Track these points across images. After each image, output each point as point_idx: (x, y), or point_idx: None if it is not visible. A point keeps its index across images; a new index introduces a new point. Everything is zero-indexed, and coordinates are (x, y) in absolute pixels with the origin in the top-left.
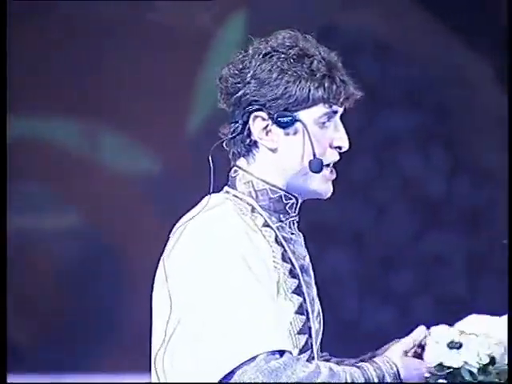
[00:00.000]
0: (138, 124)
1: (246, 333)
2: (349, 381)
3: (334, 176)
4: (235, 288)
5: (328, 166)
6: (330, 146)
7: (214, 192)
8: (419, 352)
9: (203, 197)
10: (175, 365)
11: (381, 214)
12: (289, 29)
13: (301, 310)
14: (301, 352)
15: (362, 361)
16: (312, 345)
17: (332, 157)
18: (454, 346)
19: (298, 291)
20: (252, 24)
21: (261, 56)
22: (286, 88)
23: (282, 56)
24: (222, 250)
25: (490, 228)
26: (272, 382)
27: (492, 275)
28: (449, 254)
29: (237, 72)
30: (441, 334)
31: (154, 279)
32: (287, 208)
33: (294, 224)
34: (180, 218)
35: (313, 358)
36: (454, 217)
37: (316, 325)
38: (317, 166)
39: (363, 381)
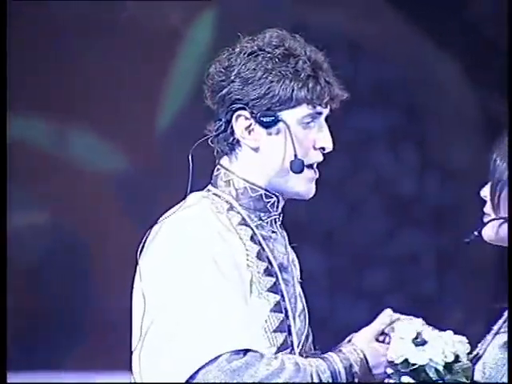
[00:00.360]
0: (109, 122)
1: (211, 333)
2: (314, 375)
3: (316, 176)
4: (204, 289)
5: (311, 166)
6: (314, 147)
7: (197, 190)
8: (383, 339)
9: (175, 194)
10: (150, 364)
11: (352, 213)
12: (277, 28)
13: (278, 308)
14: (279, 350)
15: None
16: (292, 343)
17: (315, 157)
18: (420, 342)
19: (274, 289)
20: (222, 23)
21: (246, 55)
22: (269, 87)
23: (268, 55)
24: (194, 252)
25: (460, 226)
26: (235, 381)
27: (462, 273)
28: (420, 251)
29: (222, 70)
30: (405, 330)
31: (125, 277)
32: (268, 206)
33: (275, 222)
34: (150, 215)
35: None
36: (425, 215)
37: (298, 323)
38: (298, 166)
39: (329, 374)
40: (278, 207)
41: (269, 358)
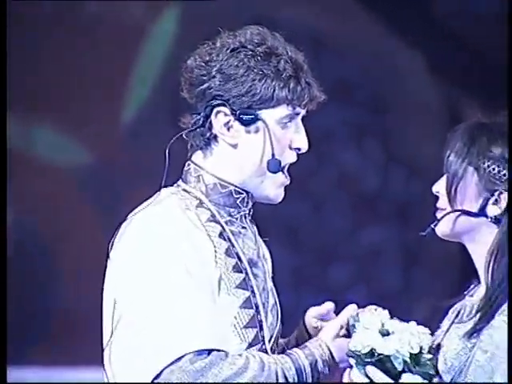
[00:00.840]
0: (73, 117)
1: (175, 333)
2: (279, 373)
3: (287, 181)
4: (170, 288)
5: (283, 168)
6: (290, 147)
7: (167, 185)
8: (348, 334)
9: (140, 189)
10: (120, 360)
11: (317, 209)
12: (258, 25)
13: (248, 304)
14: (250, 345)
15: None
16: (264, 338)
17: (290, 158)
18: (386, 332)
19: (243, 285)
20: (186, 17)
21: (228, 51)
22: (251, 86)
23: (250, 53)
24: (161, 250)
25: (424, 222)
26: (198, 381)
27: (427, 269)
28: (384, 247)
29: (203, 64)
30: (371, 320)
31: (89, 274)
32: (238, 202)
33: (245, 218)
34: (116, 209)
35: (265, 351)
36: (390, 211)
37: (270, 317)
38: (275, 166)
39: (294, 372)
40: (247, 203)
41: (233, 357)
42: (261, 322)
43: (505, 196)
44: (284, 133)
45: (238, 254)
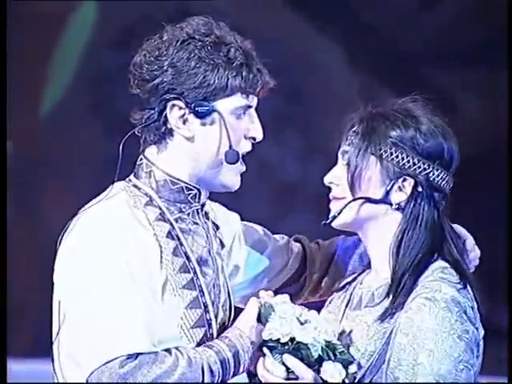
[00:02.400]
0: None
1: (109, 336)
2: (205, 367)
3: (243, 168)
4: (106, 291)
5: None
6: (245, 137)
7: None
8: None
9: (61, 183)
10: (62, 357)
11: (236, 200)
12: (202, 15)
13: (195, 304)
14: (198, 345)
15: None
16: (213, 336)
17: (245, 147)
18: (303, 321)
19: (190, 286)
20: (105, 7)
21: (178, 43)
22: (204, 77)
23: (199, 43)
24: (102, 251)
25: None
26: (127, 381)
27: None
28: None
29: (152, 59)
30: (287, 309)
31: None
32: (189, 198)
33: (197, 213)
34: (34, 205)
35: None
36: (309, 201)
37: (221, 314)
38: (233, 157)
39: (219, 365)
40: (199, 198)
41: (162, 357)
42: (210, 320)
43: (410, 182)
44: (238, 122)
45: (186, 253)
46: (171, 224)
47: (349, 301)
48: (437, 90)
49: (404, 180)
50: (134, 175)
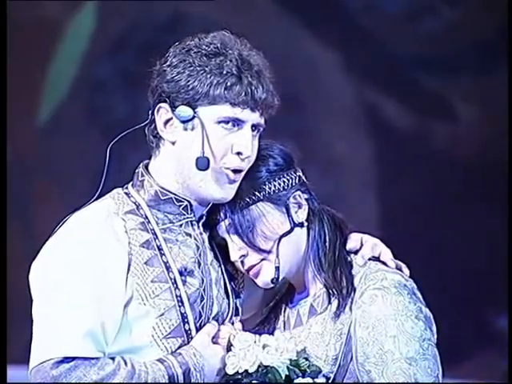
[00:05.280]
0: None
1: (50, 337)
2: (149, 381)
3: (237, 181)
4: (63, 294)
5: (236, 171)
6: (232, 151)
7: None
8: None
9: (55, 188)
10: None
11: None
12: (223, 30)
13: (170, 315)
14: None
15: None
16: None
17: (235, 163)
18: (263, 346)
19: (165, 296)
20: (104, 13)
21: (184, 50)
22: (187, 81)
23: (199, 51)
24: (67, 256)
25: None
26: (60, 382)
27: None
28: None
29: (158, 63)
30: (247, 337)
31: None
32: (181, 209)
33: (191, 225)
34: (29, 208)
35: None
36: None
37: (206, 322)
38: (202, 163)
39: (167, 380)
40: (192, 210)
41: (103, 364)
42: (189, 331)
43: (299, 194)
44: (225, 134)
45: (167, 262)
46: (154, 233)
47: (284, 323)
48: (434, 95)
49: (294, 197)
50: (132, 182)
